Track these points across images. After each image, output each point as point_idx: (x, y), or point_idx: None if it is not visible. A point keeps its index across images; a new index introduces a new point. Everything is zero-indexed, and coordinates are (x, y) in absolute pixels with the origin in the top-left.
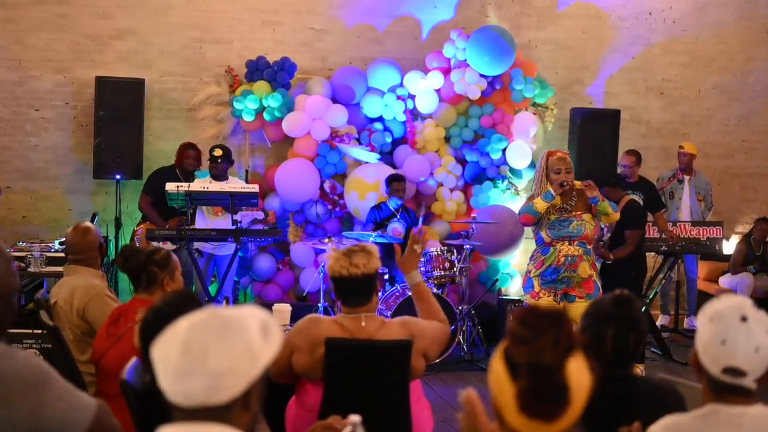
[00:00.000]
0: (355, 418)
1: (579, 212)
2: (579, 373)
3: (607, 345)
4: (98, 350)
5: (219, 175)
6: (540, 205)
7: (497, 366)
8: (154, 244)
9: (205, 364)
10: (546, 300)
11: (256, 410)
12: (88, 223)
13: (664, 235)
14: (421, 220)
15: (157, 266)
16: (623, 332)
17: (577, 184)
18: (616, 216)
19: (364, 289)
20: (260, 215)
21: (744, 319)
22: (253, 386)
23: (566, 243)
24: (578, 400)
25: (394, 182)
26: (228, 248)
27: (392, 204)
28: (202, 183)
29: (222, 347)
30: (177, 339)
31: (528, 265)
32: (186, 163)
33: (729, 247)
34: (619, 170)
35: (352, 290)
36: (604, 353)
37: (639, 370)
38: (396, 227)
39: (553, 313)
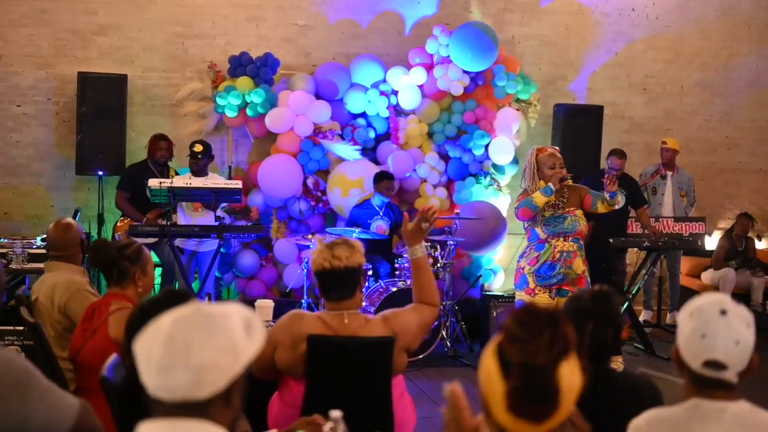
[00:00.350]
0: (336, 413)
1: (571, 208)
2: (571, 376)
3: (586, 340)
4: (75, 346)
5: (199, 171)
6: (539, 199)
7: (489, 362)
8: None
9: (188, 359)
10: (542, 297)
11: (237, 407)
12: (69, 220)
13: (646, 231)
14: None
15: (128, 261)
16: (602, 327)
17: (569, 181)
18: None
19: (346, 283)
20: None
21: (723, 312)
22: (235, 382)
23: (561, 239)
24: (567, 403)
25: (384, 180)
26: (210, 245)
27: (376, 201)
28: (184, 179)
29: (205, 342)
30: (160, 334)
31: (520, 261)
32: (158, 155)
33: (711, 242)
34: (604, 167)
35: (334, 283)
36: (582, 348)
37: (618, 362)
38: (380, 224)
39: (551, 314)
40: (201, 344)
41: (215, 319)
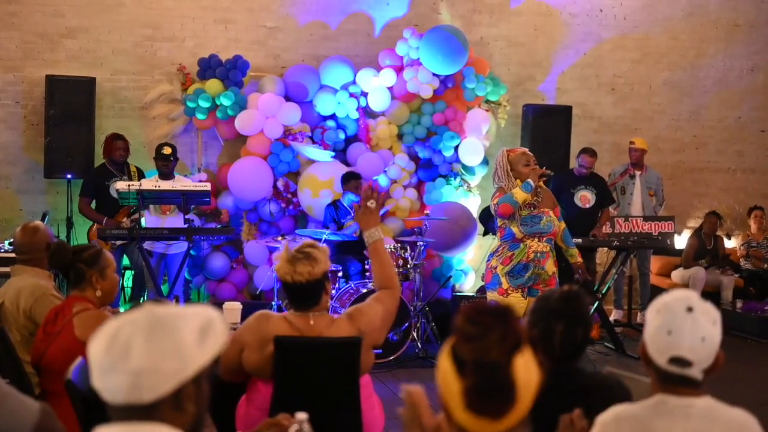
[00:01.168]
0: (301, 416)
1: (546, 209)
2: (526, 371)
3: (555, 340)
4: (38, 350)
5: (168, 174)
6: (520, 195)
7: (444, 363)
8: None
9: (127, 362)
10: (515, 296)
11: (193, 412)
12: (37, 223)
13: (616, 230)
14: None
15: (84, 263)
16: (572, 327)
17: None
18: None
19: (310, 294)
20: (204, 177)
21: (690, 309)
22: (185, 387)
23: (536, 239)
24: (525, 398)
25: (352, 180)
26: (179, 247)
27: (347, 201)
28: (152, 182)
29: (146, 345)
30: (106, 335)
31: (491, 260)
32: (116, 154)
33: (681, 241)
34: (574, 167)
35: (299, 296)
36: (552, 348)
37: None
38: (353, 224)
39: (500, 310)
40: (141, 347)
41: (163, 322)
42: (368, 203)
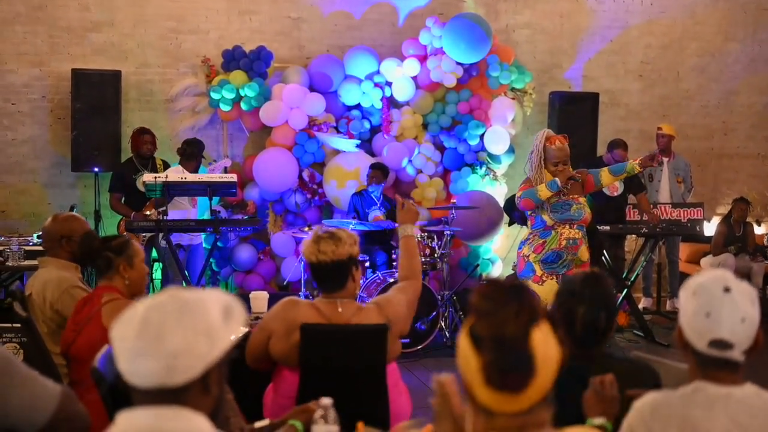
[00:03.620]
0: (326, 401)
1: (575, 195)
2: (545, 344)
3: (578, 323)
4: (66, 340)
5: (194, 170)
6: (544, 193)
7: (463, 342)
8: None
9: (161, 344)
10: (550, 283)
11: (217, 395)
12: (67, 213)
13: (645, 217)
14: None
15: (112, 252)
16: (593, 310)
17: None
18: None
19: (335, 275)
20: (228, 163)
21: (727, 290)
22: (213, 369)
23: (567, 226)
24: (545, 371)
25: (371, 170)
26: (198, 238)
27: (373, 191)
28: (178, 173)
29: (178, 327)
30: (134, 319)
31: (522, 249)
32: (144, 149)
33: (710, 228)
34: (602, 154)
35: (324, 275)
36: (575, 331)
37: None
38: (377, 214)
39: (515, 285)
40: (174, 330)
41: (190, 304)
42: (408, 205)
